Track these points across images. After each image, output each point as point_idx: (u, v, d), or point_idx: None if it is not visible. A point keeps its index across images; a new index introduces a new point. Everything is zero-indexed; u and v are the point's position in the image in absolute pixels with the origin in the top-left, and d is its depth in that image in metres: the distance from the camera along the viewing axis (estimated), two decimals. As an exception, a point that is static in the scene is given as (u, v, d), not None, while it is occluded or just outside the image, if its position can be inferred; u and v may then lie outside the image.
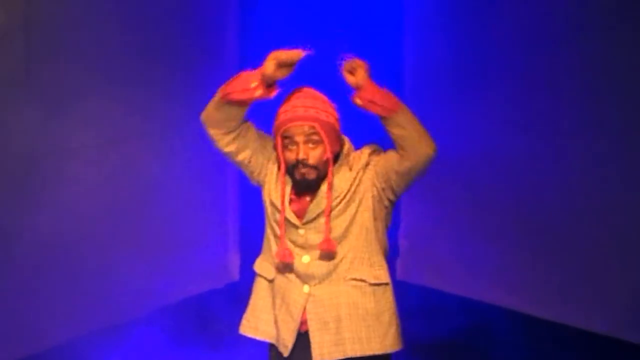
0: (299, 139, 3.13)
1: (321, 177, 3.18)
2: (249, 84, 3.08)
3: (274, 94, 3.12)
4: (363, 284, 3.23)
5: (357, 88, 3.10)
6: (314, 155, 3.13)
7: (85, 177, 4.87)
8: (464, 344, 5.19)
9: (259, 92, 3.08)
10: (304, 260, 3.24)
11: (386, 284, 3.27)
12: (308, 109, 3.12)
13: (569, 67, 5.19)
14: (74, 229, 4.86)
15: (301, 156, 3.12)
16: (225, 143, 3.24)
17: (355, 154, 3.24)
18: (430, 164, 3.12)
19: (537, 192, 5.41)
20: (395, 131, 3.08)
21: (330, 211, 3.16)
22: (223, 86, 3.14)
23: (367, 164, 3.19)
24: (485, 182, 5.55)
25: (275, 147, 3.23)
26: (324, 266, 3.22)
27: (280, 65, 3.06)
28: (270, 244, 3.34)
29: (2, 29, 4.37)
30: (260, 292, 3.38)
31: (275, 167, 3.27)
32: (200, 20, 5.41)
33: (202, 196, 5.63)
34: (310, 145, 3.14)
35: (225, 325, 5.18)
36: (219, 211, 5.80)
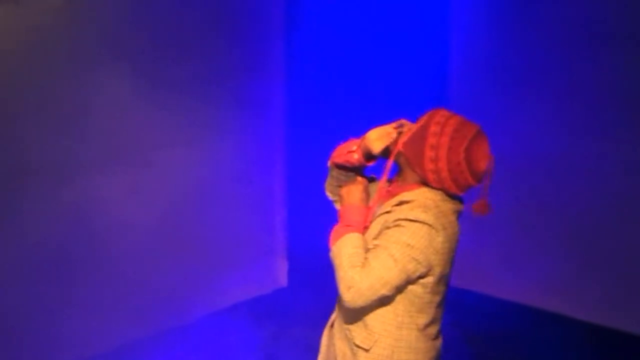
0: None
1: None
2: (349, 148, 3.14)
3: (372, 163, 3.15)
4: (351, 342, 3.07)
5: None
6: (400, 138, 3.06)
7: (132, 185, 4.90)
8: (512, 346, 5.20)
9: (356, 157, 3.12)
10: None
11: (366, 350, 3.03)
12: (442, 120, 2.99)
13: (614, 69, 5.16)
14: (123, 237, 4.90)
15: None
16: (339, 204, 3.28)
17: (406, 208, 2.97)
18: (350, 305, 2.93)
19: (582, 195, 5.38)
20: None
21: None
22: (333, 150, 3.22)
23: (386, 226, 2.97)
24: (531, 184, 5.53)
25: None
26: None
27: (385, 149, 3.07)
28: None
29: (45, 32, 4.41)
30: None
31: None
32: (245, 27, 5.41)
33: (249, 202, 5.65)
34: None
35: (273, 331, 5.24)
36: (266, 217, 5.81)
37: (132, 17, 4.78)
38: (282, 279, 5.88)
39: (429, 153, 2.96)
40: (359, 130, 3.26)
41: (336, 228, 3.02)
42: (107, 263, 4.85)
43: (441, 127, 2.96)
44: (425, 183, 3.01)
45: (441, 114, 3.00)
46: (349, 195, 3.07)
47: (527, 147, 5.47)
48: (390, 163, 3.04)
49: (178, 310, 5.26)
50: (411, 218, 2.91)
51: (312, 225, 5.45)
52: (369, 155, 3.12)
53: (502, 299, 5.71)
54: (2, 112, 4.35)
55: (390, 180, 3.16)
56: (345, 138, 3.24)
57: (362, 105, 5.43)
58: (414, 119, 3.10)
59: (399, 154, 3.03)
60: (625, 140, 5.18)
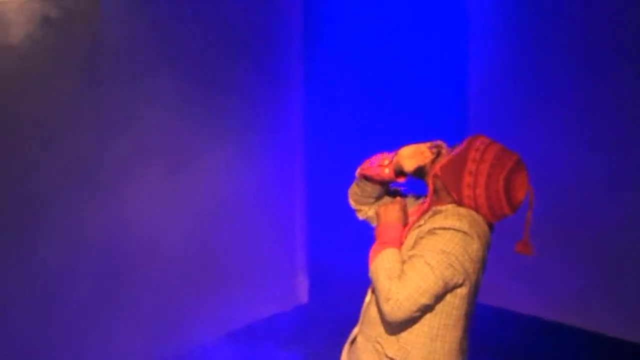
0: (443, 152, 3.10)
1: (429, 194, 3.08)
2: (381, 162, 3.14)
3: (402, 180, 3.16)
4: (382, 354, 3.05)
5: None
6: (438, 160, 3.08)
7: (151, 200, 4.87)
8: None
9: (387, 172, 3.13)
10: (367, 298, 3.18)
11: None
12: (482, 147, 3.01)
13: (631, 85, 5.14)
14: (140, 254, 4.88)
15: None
16: (362, 214, 3.33)
17: (439, 217, 2.99)
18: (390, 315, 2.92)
19: (600, 208, 5.35)
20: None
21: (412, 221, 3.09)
22: (363, 161, 3.24)
23: (420, 236, 2.99)
24: (548, 197, 5.49)
25: None
26: (371, 312, 3.10)
27: (419, 167, 3.08)
28: None
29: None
30: None
31: None
32: (265, 42, 5.40)
33: (270, 219, 5.63)
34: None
35: (294, 349, 5.23)
36: (287, 234, 5.79)
37: (155, 33, 4.80)
38: (303, 296, 5.86)
39: (467, 179, 2.97)
40: (379, 146, 3.27)
41: (374, 247, 3.02)
42: (126, 282, 4.85)
43: (481, 153, 2.97)
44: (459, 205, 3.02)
45: (481, 141, 3.01)
46: (386, 214, 3.08)
47: (544, 160, 5.46)
48: (431, 189, 3.04)
49: (198, 328, 5.24)
50: (446, 226, 2.91)
51: (333, 242, 5.46)
52: (399, 172, 3.12)
53: (516, 312, 5.68)
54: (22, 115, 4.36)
55: (422, 197, 3.18)
56: (365, 153, 3.25)
57: (381, 120, 5.43)
58: (435, 133, 3.12)
59: (436, 177, 3.03)
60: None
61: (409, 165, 3.06)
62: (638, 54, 5.07)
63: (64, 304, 4.58)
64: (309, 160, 5.70)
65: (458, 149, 3.02)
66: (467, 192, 2.97)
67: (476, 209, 2.98)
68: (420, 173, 3.09)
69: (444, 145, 3.08)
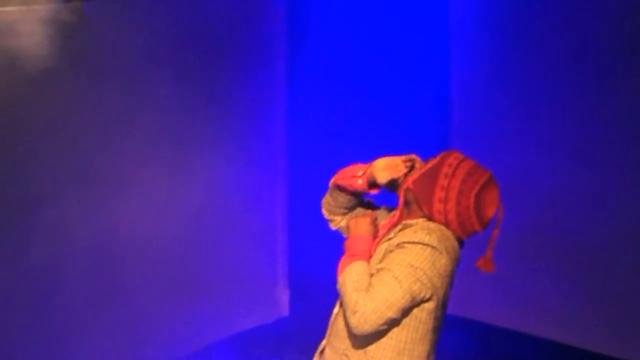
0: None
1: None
2: (355, 173, 3.16)
3: (375, 192, 3.17)
4: None
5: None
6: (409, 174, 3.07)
7: (133, 212, 4.86)
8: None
9: (360, 183, 3.13)
10: (335, 309, 3.16)
11: None
12: (455, 162, 3.01)
13: (615, 95, 5.16)
14: (120, 264, 4.87)
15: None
16: (334, 224, 3.35)
17: (409, 231, 2.98)
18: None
19: (580, 222, 5.36)
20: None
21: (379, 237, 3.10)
22: (338, 171, 3.24)
23: (389, 250, 2.98)
24: (528, 209, 5.51)
25: None
26: (339, 323, 3.09)
27: (392, 180, 3.08)
28: None
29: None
30: None
31: None
32: (247, 50, 5.40)
33: (250, 231, 5.61)
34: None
35: (275, 360, 5.21)
36: (268, 246, 5.78)
37: (138, 38, 4.78)
38: (284, 308, 5.85)
39: (439, 193, 2.98)
40: (362, 152, 3.27)
41: (342, 259, 3.03)
42: (103, 294, 4.82)
43: (453, 169, 2.99)
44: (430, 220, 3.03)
45: (455, 156, 3.02)
46: (356, 227, 3.09)
47: (525, 170, 5.47)
48: (401, 202, 3.05)
49: (178, 341, 5.21)
50: (415, 240, 2.92)
51: (314, 254, 5.44)
52: (372, 184, 3.13)
53: (495, 325, 5.68)
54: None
55: (394, 210, 3.17)
56: (349, 160, 3.25)
57: (364, 126, 5.43)
58: (417, 142, 3.12)
59: (408, 190, 3.04)
60: (625, 167, 5.17)
61: (382, 177, 3.08)
62: (622, 64, 5.09)
63: (46, 306, 4.59)
64: (291, 173, 5.69)
65: (431, 163, 3.04)
66: (438, 206, 2.98)
67: (446, 224, 2.99)
68: (393, 186, 3.10)
69: (417, 159, 3.10)
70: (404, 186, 3.04)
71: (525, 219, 5.43)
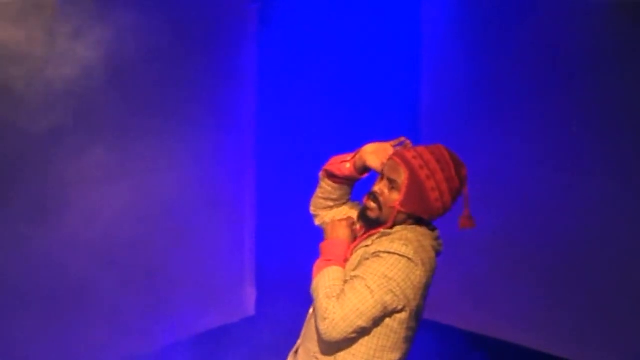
0: (387, 174, 3.04)
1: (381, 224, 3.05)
2: (343, 159, 3.17)
3: (363, 176, 3.18)
4: None
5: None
6: (387, 195, 3.03)
7: (98, 209, 4.81)
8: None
9: (347, 167, 3.14)
10: (310, 310, 3.15)
11: None
12: (419, 160, 3.02)
13: (589, 100, 5.17)
14: (85, 261, 4.78)
15: (375, 188, 3.06)
16: (318, 220, 3.33)
17: (386, 240, 2.98)
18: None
19: (553, 228, 5.37)
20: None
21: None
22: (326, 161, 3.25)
23: (365, 257, 2.98)
24: (502, 214, 5.51)
25: None
26: (312, 325, 3.08)
27: (382, 164, 3.07)
28: None
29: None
30: None
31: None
32: (214, 39, 5.35)
33: (217, 230, 5.57)
34: (390, 186, 3.02)
35: (240, 360, 5.19)
36: (235, 243, 5.74)
37: (101, 27, 4.71)
38: (250, 308, 5.81)
39: (433, 195, 2.99)
40: (332, 149, 3.27)
41: (317, 263, 3.02)
42: (69, 290, 4.77)
43: (427, 168, 2.99)
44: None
45: (412, 156, 3.01)
46: (333, 231, 3.09)
47: (499, 177, 5.47)
48: (390, 224, 3.02)
49: (143, 338, 5.16)
50: (391, 251, 2.92)
51: (282, 254, 5.43)
52: (362, 168, 3.13)
53: (468, 330, 5.68)
54: None
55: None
56: (319, 158, 3.26)
57: (332, 128, 5.42)
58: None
59: (400, 213, 3.01)
60: (600, 173, 5.17)
61: (373, 161, 3.08)
62: (597, 69, 5.10)
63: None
64: (259, 171, 5.66)
65: (402, 182, 2.98)
66: (436, 205, 3.00)
67: (445, 210, 3.03)
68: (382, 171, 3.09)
69: (408, 142, 3.12)
70: (394, 212, 3.00)
71: (498, 225, 5.43)
